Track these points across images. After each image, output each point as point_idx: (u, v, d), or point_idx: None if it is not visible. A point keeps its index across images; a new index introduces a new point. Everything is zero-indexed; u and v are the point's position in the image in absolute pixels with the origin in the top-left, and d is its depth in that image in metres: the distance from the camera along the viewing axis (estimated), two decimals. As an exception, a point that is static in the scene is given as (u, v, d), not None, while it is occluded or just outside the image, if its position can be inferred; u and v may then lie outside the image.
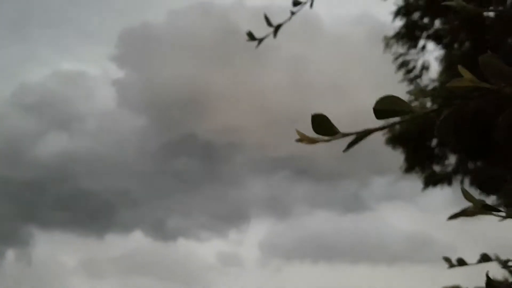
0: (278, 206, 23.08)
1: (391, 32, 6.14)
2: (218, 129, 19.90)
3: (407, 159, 5.98)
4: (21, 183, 20.47)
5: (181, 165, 22.12)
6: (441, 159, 5.88)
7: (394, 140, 6.01)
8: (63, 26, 23.79)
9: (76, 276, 25.71)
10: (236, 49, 20.41)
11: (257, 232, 24.10)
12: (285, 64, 20.21)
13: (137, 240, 24.65)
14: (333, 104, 20.02)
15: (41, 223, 22.84)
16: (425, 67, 6.04)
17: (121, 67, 20.99)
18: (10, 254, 23.03)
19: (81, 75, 22.68)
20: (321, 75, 20.20)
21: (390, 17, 6.05)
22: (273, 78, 19.89)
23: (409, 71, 6.02)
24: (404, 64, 6.02)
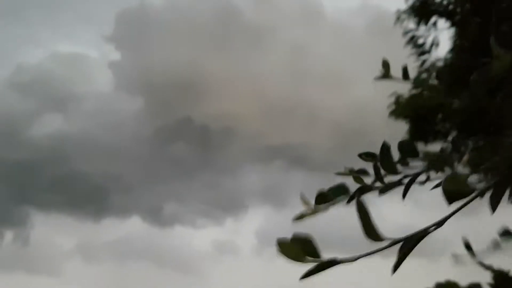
0: (274, 196, 23.06)
1: (391, 23, 6.04)
2: (214, 114, 19.77)
3: (409, 133, 5.85)
4: (17, 164, 20.38)
5: (177, 150, 22.04)
6: (444, 136, 5.77)
7: (397, 113, 5.89)
8: (60, 8, 23.55)
9: (72, 258, 25.72)
10: (235, 32, 20.28)
11: (253, 220, 24.07)
12: (284, 51, 20.04)
13: (134, 225, 24.66)
14: (331, 94, 19.95)
15: (38, 205, 22.77)
16: (434, 44, 5.92)
17: (118, 48, 20.76)
18: (8, 234, 23.07)
19: (78, 56, 22.43)
20: (321, 63, 20.04)
21: (392, 6, 5.95)
22: (271, 64, 19.72)
23: (418, 47, 5.90)
24: (413, 39, 5.91)
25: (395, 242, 0.54)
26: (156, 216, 23.13)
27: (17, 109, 20.68)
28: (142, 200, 22.94)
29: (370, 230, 0.53)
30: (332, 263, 0.55)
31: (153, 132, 20.51)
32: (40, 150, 20.60)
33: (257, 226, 22.21)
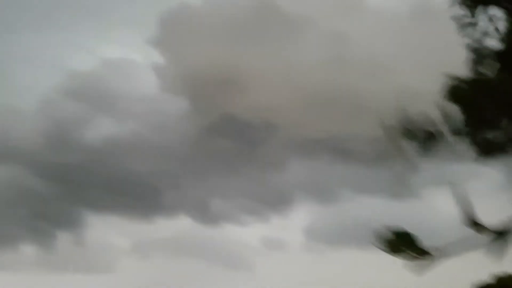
0: (321, 190, 22.73)
1: (434, 8, 5.78)
2: (256, 108, 19.68)
3: (462, 120, 5.66)
4: (71, 167, 21.24)
5: (221, 147, 22.17)
6: (494, 123, 5.54)
7: (451, 98, 5.69)
8: (105, 15, 24.25)
9: (126, 257, 26.57)
10: (274, 25, 20.11)
11: (300, 216, 23.86)
12: (324, 40, 19.61)
13: (183, 223, 25.13)
14: (374, 82, 19.38)
15: (92, 206, 23.67)
16: (487, 31, 5.69)
17: (161, 51, 21.16)
18: (64, 236, 24.16)
19: (124, 62, 23.04)
20: (362, 51, 19.48)
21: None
22: (311, 54, 19.37)
23: (471, 33, 5.69)
24: (465, 26, 5.70)
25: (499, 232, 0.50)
26: (203, 213, 23.48)
27: (71, 114, 21.55)
28: (189, 198, 23.34)
29: (471, 221, 0.49)
30: (438, 256, 0.50)
31: (198, 130, 20.81)
32: (93, 152, 21.38)
33: (304, 222, 21.98)
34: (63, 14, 24.08)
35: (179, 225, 29.95)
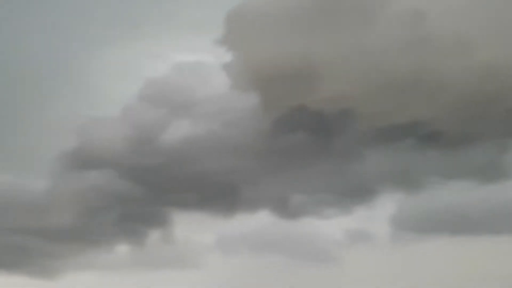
0: (406, 178, 21.63)
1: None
2: (330, 98, 19.06)
3: None
4: (154, 168, 22.22)
5: (297, 140, 21.93)
6: None
7: None
8: (172, 21, 25.13)
9: (212, 253, 27.28)
10: (344, 10, 19.37)
11: (385, 206, 22.97)
12: (399, 20, 18.54)
13: (264, 218, 25.26)
14: (456, 61, 17.96)
15: (177, 204, 24.58)
16: None
17: (229, 49, 21.39)
18: (154, 234, 25.34)
19: (195, 64, 23.78)
20: (441, 29, 18.13)
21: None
22: (387, 37, 18.39)
23: None
24: None
25: None
26: (283, 208, 23.36)
27: (149, 119, 22.59)
28: (269, 193, 23.35)
29: None
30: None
31: (271, 125, 20.69)
32: (173, 153, 22.24)
33: (389, 211, 21.11)
34: (137, 24, 25.22)
35: (260, 220, 30.17)
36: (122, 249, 27.69)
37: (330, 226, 23.11)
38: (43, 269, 24.19)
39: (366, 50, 18.40)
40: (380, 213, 21.01)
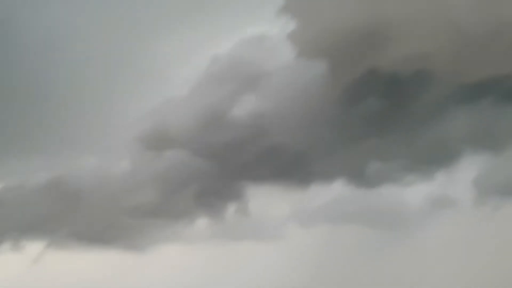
0: (489, 139, 20.19)
1: None
2: (402, 59, 18.06)
3: None
4: (226, 144, 22.59)
5: (370, 106, 21.10)
6: None
7: None
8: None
9: (288, 224, 27.52)
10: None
11: (468, 170, 21.67)
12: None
13: (340, 189, 24.88)
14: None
15: (250, 178, 24.94)
16: None
17: (292, 17, 20.83)
18: (230, 207, 26.05)
19: (260, 37, 23.53)
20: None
21: None
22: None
23: None
24: None
25: None
26: (360, 177, 22.80)
27: (218, 95, 22.86)
28: (344, 162, 22.87)
29: None
30: None
31: (342, 92, 20.05)
32: (243, 128, 22.43)
33: (473, 175, 19.92)
34: (195, 4, 25.42)
35: (336, 190, 29.78)
36: (202, 222, 28.91)
37: (410, 193, 22.29)
38: (133, 243, 25.94)
39: (439, 5, 17.13)
40: (463, 177, 19.92)
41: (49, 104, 27.10)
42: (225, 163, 24.80)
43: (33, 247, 24.45)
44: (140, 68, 27.90)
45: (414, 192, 22.15)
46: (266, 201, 29.12)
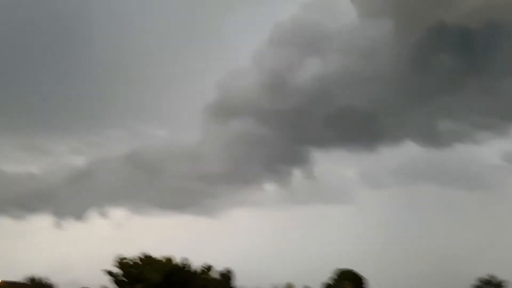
0: None
1: None
2: (472, 11, 16.80)
3: None
4: (291, 110, 22.62)
5: (439, 63, 19.98)
6: None
7: None
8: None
9: (358, 187, 27.30)
10: None
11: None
12: None
13: (410, 149, 24.15)
14: None
15: (316, 143, 24.96)
16: None
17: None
18: (297, 172, 26.33)
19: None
20: None
21: None
22: None
23: None
24: None
25: None
26: (430, 136, 21.97)
27: (282, 62, 22.72)
28: (413, 122, 22.13)
29: None
30: None
31: (410, 49, 19.17)
32: (307, 93, 22.26)
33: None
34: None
35: (406, 151, 28.90)
36: (270, 187, 29.62)
37: (484, 150, 21.20)
38: (206, 208, 27.42)
39: None
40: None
41: (126, 82, 28.93)
42: (291, 129, 24.98)
43: (117, 213, 26.81)
44: (206, 40, 28.61)
45: (489, 150, 21.02)
46: (334, 165, 29.07)
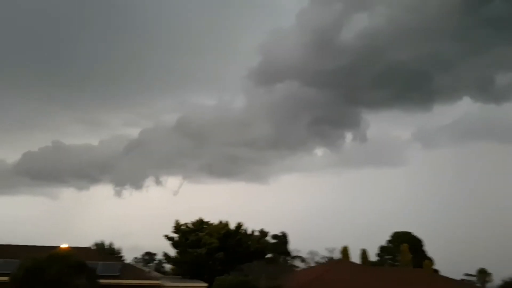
0: None
1: None
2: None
3: None
4: (338, 70, 21.83)
5: (494, 10, 18.48)
6: None
7: None
8: None
9: (411, 148, 26.36)
10: None
11: None
12: None
13: (466, 106, 22.91)
14: None
15: (367, 104, 24.13)
16: None
17: None
18: (347, 135, 25.62)
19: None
20: None
21: None
22: None
23: None
24: None
25: None
26: (487, 92, 20.69)
27: (325, 19, 21.74)
28: (468, 77, 20.89)
29: None
30: None
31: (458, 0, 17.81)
32: (354, 51, 21.30)
33: None
34: None
35: (461, 108, 27.58)
36: (320, 151, 29.17)
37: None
38: (255, 175, 27.46)
39: None
40: None
41: (169, 52, 29.01)
42: (339, 90, 24.19)
43: (171, 181, 27.34)
44: (247, 2, 27.95)
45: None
46: (386, 126, 28.17)
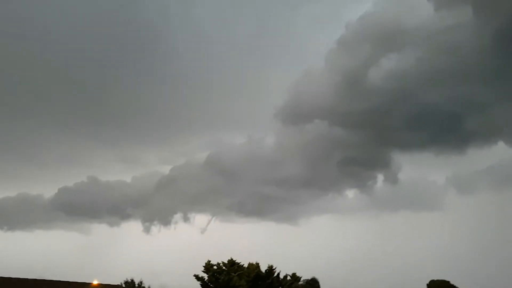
0: None
1: None
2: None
3: None
4: (369, 111, 21.75)
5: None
6: None
7: None
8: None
9: (446, 192, 25.54)
10: None
11: None
12: None
13: (502, 150, 22.22)
14: None
15: (399, 145, 23.79)
16: None
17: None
18: (379, 177, 25.15)
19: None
20: None
21: None
22: None
23: None
24: None
25: None
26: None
27: (355, 61, 21.90)
28: (504, 120, 20.38)
29: None
30: None
31: (492, 37, 17.72)
32: (385, 92, 21.24)
33: None
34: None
35: (498, 152, 26.75)
36: (351, 193, 28.68)
37: None
38: (286, 214, 27.16)
39: None
40: None
41: (203, 91, 30.05)
42: (369, 131, 23.99)
43: (200, 219, 27.46)
44: (277, 43, 28.83)
45: None
46: (419, 168, 27.52)
